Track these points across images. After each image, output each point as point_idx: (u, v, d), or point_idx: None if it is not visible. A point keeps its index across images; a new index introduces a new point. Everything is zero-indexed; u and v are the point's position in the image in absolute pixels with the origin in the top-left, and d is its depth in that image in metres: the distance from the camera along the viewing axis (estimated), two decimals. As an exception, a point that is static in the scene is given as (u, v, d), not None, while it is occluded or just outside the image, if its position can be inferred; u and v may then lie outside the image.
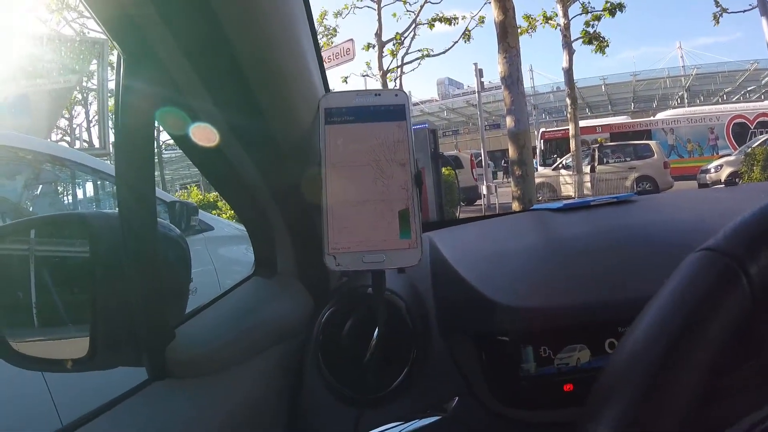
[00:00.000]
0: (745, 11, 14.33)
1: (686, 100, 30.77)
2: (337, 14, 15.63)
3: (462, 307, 0.81)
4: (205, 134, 0.68)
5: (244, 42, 0.57)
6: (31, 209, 2.93)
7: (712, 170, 14.09)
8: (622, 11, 13.34)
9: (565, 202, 1.22)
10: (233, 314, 0.80)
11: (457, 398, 0.75)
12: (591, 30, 13.80)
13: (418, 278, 0.88)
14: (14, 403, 1.56)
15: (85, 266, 0.65)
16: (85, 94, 11.55)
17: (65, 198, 3.75)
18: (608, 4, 13.40)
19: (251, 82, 0.62)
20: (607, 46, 13.88)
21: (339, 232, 0.63)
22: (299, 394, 0.79)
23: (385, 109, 0.67)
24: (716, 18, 13.70)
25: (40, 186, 3.17)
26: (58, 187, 3.63)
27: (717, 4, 13.66)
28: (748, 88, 30.67)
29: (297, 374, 0.80)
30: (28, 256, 0.69)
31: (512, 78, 6.51)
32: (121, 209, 0.60)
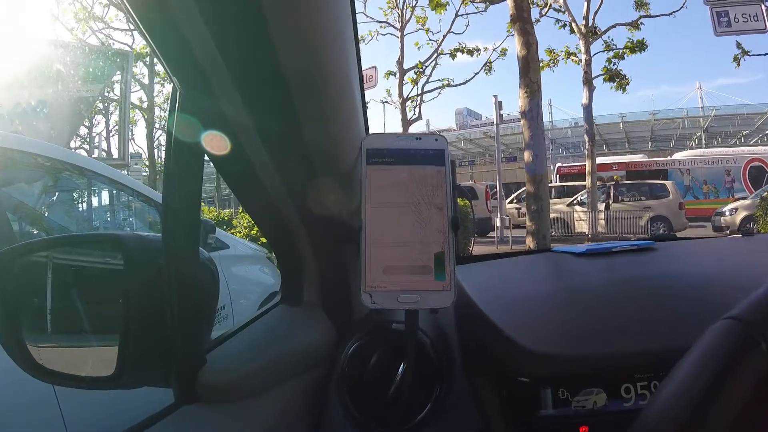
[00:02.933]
0: (766, 54, 14.40)
1: (704, 141, 30.80)
2: (361, 40, 15.79)
3: (485, 347, 0.83)
4: (246, 164, 0.70)
5: (298, 83, 0.57)
6: (47, 214, 2.95)
7: (727, 213, 14.03)
8: (644, 50, 13.43)
9: (587, 246, 1.26)
10: (261, 342, 0.81)
11: None
12: (613, 67, 13.89)
13: (443, 316, 0.90)
14: (22, 410, 1.54)
15: (108, 277, 0.69)
16: (106, 104, 11.76)
17: (81, 206, 3.78)
18: (630, 42, 13.50)
19: (300, 117, 0.62)
20: (628, 83, 13.96)
21: (376, 271, 0.63)
22: (322, 424, 0.80)
23: (425, 153, 0.68)
24: (737, 60, 13.70)
25: (57, 193, 3.19)
26: (75, 195, 3.66)
27: (738, 45, 13.68)
28: (766, 131, 30.61)
29: (319, 405, 0.81)
30: (51, 267, 0.70)
31: (532, 113, 6.56)
32: (165, 230, 0.62)
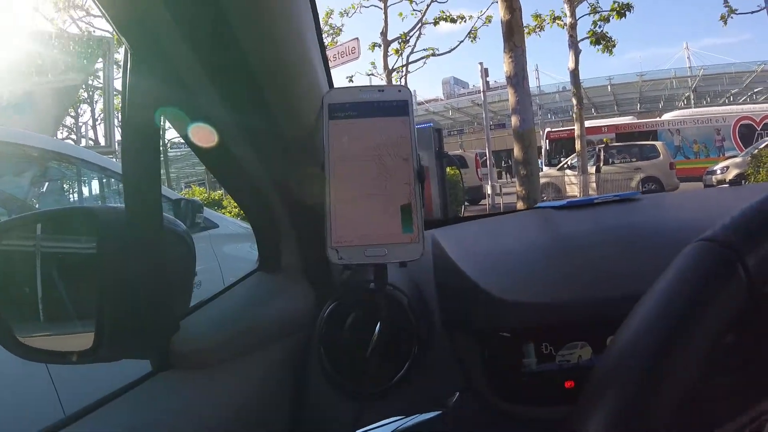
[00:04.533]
0: (753, 12, 14.30)
1: (693, 101, 30.64)
2: (343, 13, 15.63)
3: (464, 303, 0.81)
4: (209, 131, 0.69)
5: (249, 37, 0.58)
6: (37, 206, 2.94)
7: (718, 172, 14.03)
8: (630, 11, 13.30)
9: (569, 200, 1.23)
10: (237, 308, 0.81)
11: (457, 393, 0.75)
12: (598, 30, 13.76)
13: (421, 274, 0.89)
14: (17, 393, 1.58)
15: (91, 261, 0.66)
16: (91, 93, 11.54)
17: (71, 195, 3.76)
18: (616, 5, 13.36)
19: (256, 77, 0.62)
20: (614, 46, 13.85)
21: (342, 226, 0.63)
22: (302, 387, 0.80)
23: (389, 105, 0.67)
24: (724, 19, 13.62)
25: (47, 183, 3.17)
26: (64, 185, 3.64)
27: (726, 3, 13.58)
28: (755, 90, 30.47)
29: (300, 368, 0.81)
30: (34, 251, 0.70)
31: (518, 77, 6.49)
32: (128, 203, 0.61)
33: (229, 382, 0.70)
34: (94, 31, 12.91)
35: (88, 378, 1.27)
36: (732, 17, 13.70)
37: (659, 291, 0.40)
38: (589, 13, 13.77)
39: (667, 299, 0.39)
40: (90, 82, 11.03)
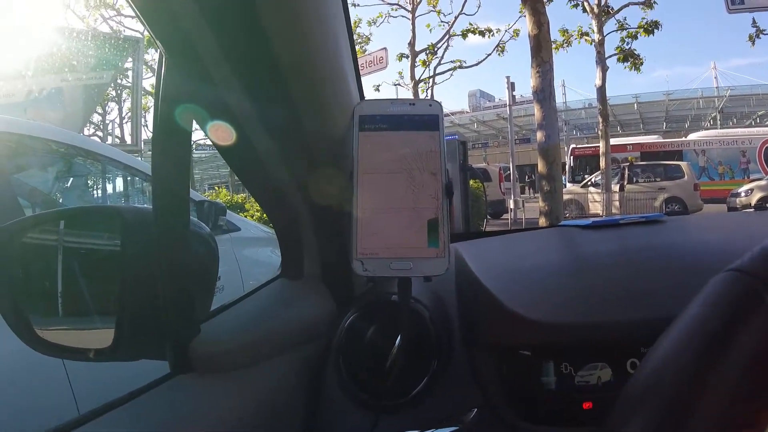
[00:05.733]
0: (781, 32, 14.08)
1: (719, 122, 30.33)
2: (371, 23, 15.73)
3: (485, 319, 0.81)
4: (237, 131, 0.69)
5: (283, 42, 0.57)
6: (61, 201, 2.97)
7: (743, 194, 13.91)
8: (659, 29, 13.20)
9: (594, 219, 1.23)
10: (258, 313, 0.81)
11: (475, 410, 0.74)
12: (626, 47, 13.67)
13: (443, 288, 0.89)
14: (32, 386, 1.58)
15: (113, 259, 0.66)
16: (119, 91, 11.83)
17: (95, 192, 3.81)
18: (644, 22, 13.27)
19: (288, 83, 0.62)
20: (642, 63, 13.74)
21: (368, 238, 0.63)
22: (318, 396, 0.79)
23: (419, 119, 0.67)
24: (752, 39, 13.43)
25: (71, 179, 3.22)
26: (89, 181, 3.68)
27: (754, 23, 13.40)
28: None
29: (317, 377, 0.81)
30: (57, 246, 0.71)
31: (544, 92, 6.47)
32: (155, 204, 0.61)
33: (245, 387, 0.70)
34: (124, 31, 13.21)
35: (106, 375, 1.27)
36: (760, 37, 13.50)
37: (689, 318, 0.41)
38: (617, 30, 13.70)
39: (696, 326, 0.40)
40: (119, 80, 11.27)
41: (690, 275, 0.73)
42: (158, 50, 0.59)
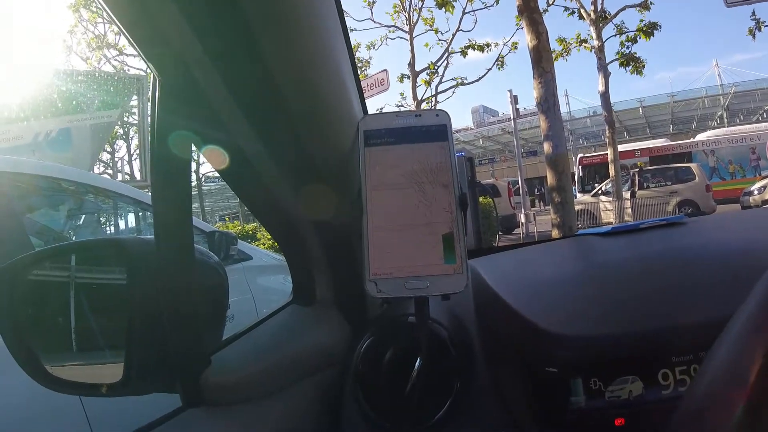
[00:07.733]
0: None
1: (726, 120, 30.19)
2: (370, 46, 15.86)
3: (508, 336, 0.78)
4: (241, 161, 0.68)
5: (282, 66, 0.56)
6: (73, 238, 2.99)
7: (756, 192, 13.76)
8: (658, 30, 13.20)
9: (613, 226, 1.20)
10: (270, 342, 0.79)
11: None
12: (626, 51, 13.68)
13: (461, 306, 0.87)
14: (48, 416, 1.58)
15: (121, 292, 0.65)
16: (126, 129, 12.01)
17: (107, 228, 3.83)
18: (643, 24, 13.28)
19: (290, 106, 0.61)
20: (644, 66, 13.72)
21: (380, 257, 0.60)
22: (337, 426, 0.77)
23: (426, 130, 0.65)
24: (752, 32, 13.37)
25: (83, 216, 3.24)
26: (101, 218, 3.71)
27: (753, 16, 13.35)
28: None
29: (335, 405, 0.79)
30: (68, 282, 0.70)
31: (548, 102, 6.46)
32: (157, 234, 0.60)
33: (260, 418, 0.68)
34: (128, 70, 13.41)
35: (121, 408, 1.26)
36: (761, 30, 13.42)
37: (748, 314, 0.37)
38: (616, 35, 13.71)
39: (753, 331, 0.35)
40: (125, 118, 11.41)
41: (716, 278, 0.70)
42: (152, 78, 0.58)
